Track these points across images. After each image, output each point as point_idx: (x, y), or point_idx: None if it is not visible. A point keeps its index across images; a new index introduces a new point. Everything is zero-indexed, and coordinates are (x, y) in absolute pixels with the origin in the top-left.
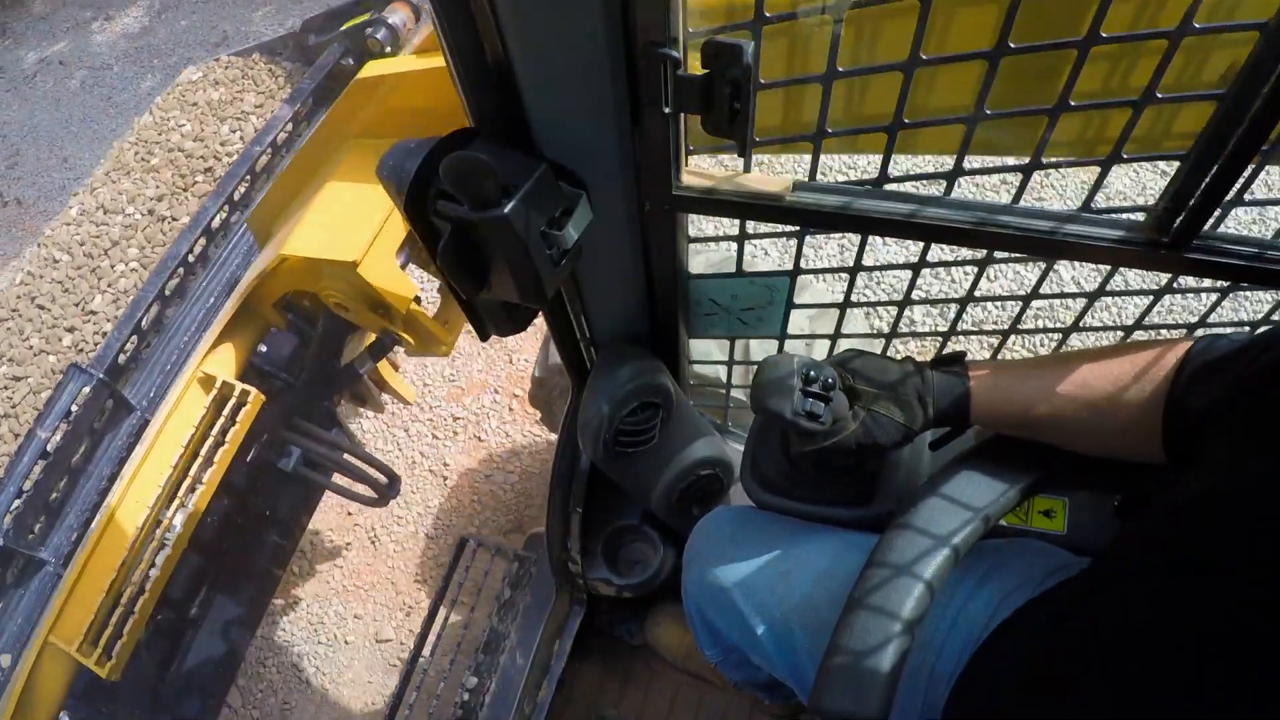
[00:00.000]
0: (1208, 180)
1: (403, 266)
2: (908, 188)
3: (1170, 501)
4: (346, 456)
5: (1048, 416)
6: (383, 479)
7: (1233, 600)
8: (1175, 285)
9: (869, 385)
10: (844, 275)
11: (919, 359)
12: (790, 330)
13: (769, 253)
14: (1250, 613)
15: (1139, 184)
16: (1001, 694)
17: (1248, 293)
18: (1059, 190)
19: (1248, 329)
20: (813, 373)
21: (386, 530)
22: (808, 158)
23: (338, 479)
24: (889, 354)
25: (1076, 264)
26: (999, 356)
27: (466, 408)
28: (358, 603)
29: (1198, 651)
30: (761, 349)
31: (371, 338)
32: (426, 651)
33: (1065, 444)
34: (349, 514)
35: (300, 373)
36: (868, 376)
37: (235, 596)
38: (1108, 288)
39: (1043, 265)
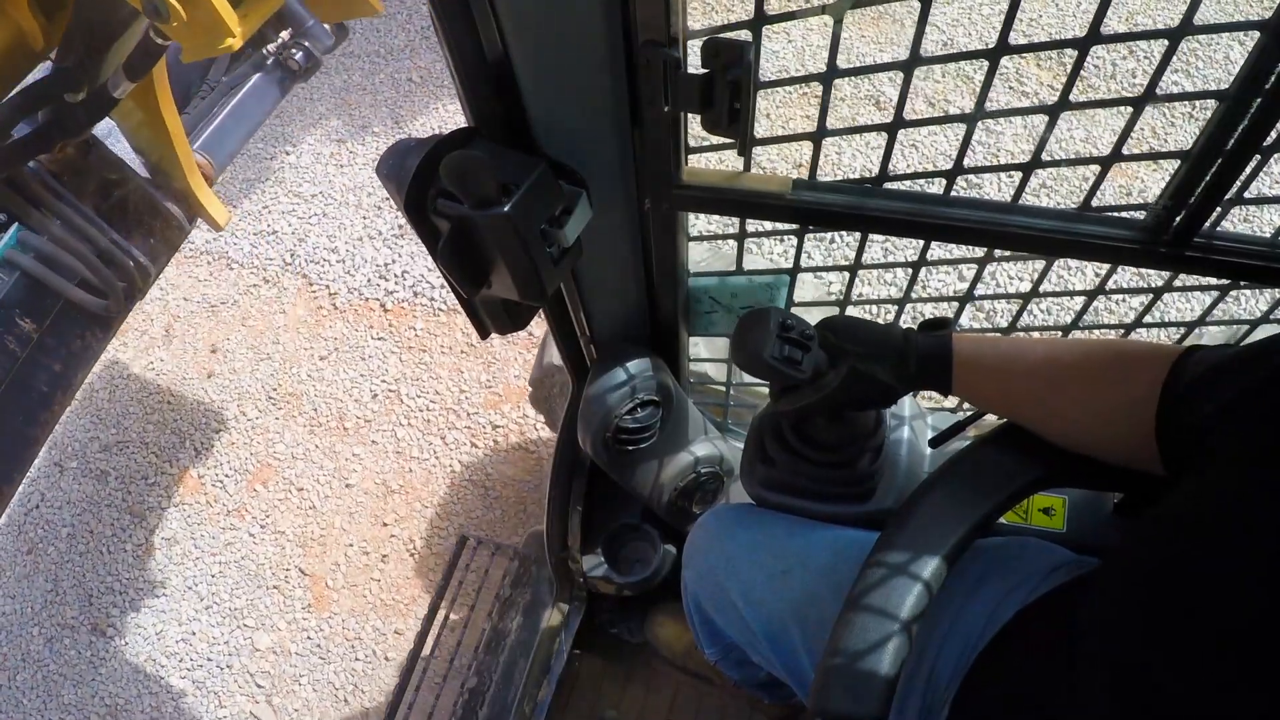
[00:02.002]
0: (1208, 179)
1: None
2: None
3: (1176, 507)
4: (71, 237)
5: (1027, 391)
6: (118, 284)
7: (1241, 608)
8: (1175, 284)
9: (852, 344)
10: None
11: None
12: None
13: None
14: (1259, 622)
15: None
16: (1006, 698)
17: (1247, 291)
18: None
19: (1247, 327)
20: (789, 321)
21: (427, 544)
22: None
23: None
24: None
25: (1076, 262)
26: None
27: (506, 415)
28: (398, 618)
29: (1205, 662)
30: None
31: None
32: (426, 650)
33: (1044, 429)
34: (384, 525)
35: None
36: (851, 336)
37: None
38: (1107, 286)
39: (1043, 264)
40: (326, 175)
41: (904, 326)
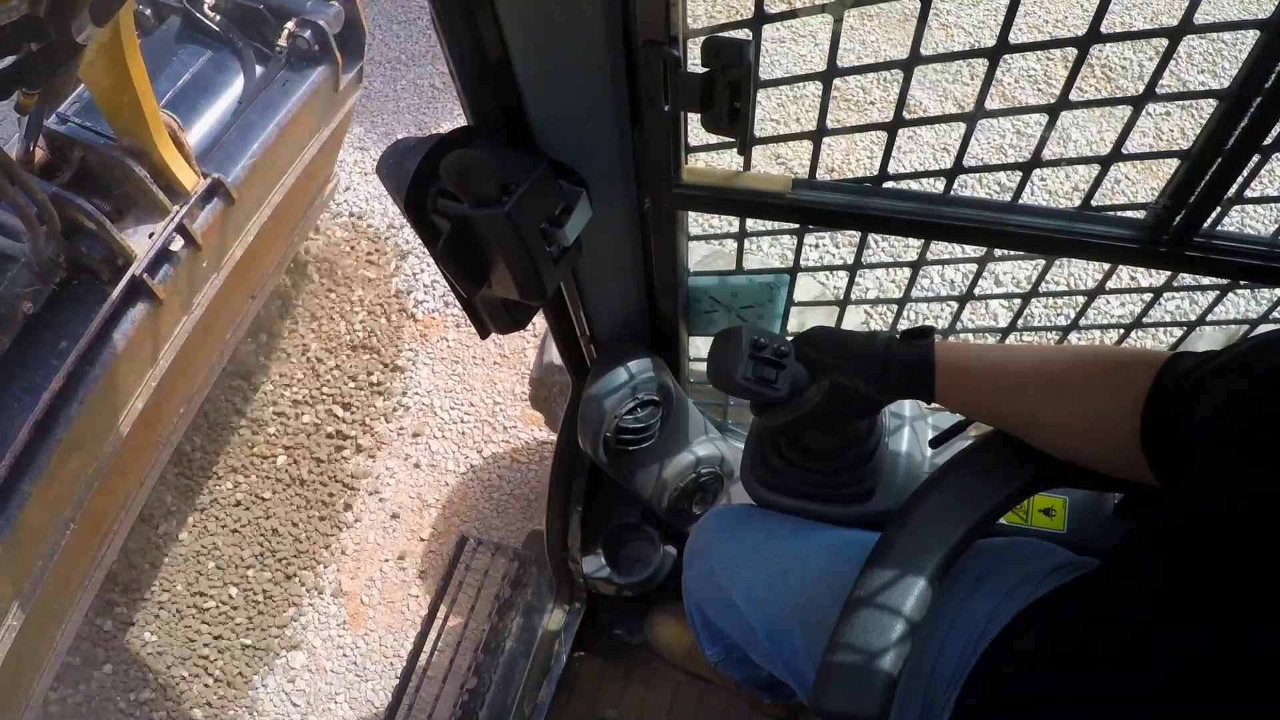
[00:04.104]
0: (1208, 178)
1: None
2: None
3: (1178, 511)
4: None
5: (1012, 401)
6: (40, 228)
7: (1250, 614)
8: (1175, 284)
9: (832, 358)
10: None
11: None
12: (791, 328)
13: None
14: (1264, 626)
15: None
16: (1012, 699)
17: (1246, 291)
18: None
19: (1246, 327)
20: (762, 339)
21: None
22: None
23: None
24: None
25: (1076, 261)
26: None
27: (547, 430)
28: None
29: (1216, 669)
30: None
31: None
32: (426, 651)
33: (1031, 437)
34: (421, 540)
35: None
36: (830, 349)
37: None
38: (1107, 286)
39: (1043, 263)
40: (350, 184)
41: (886, 334)
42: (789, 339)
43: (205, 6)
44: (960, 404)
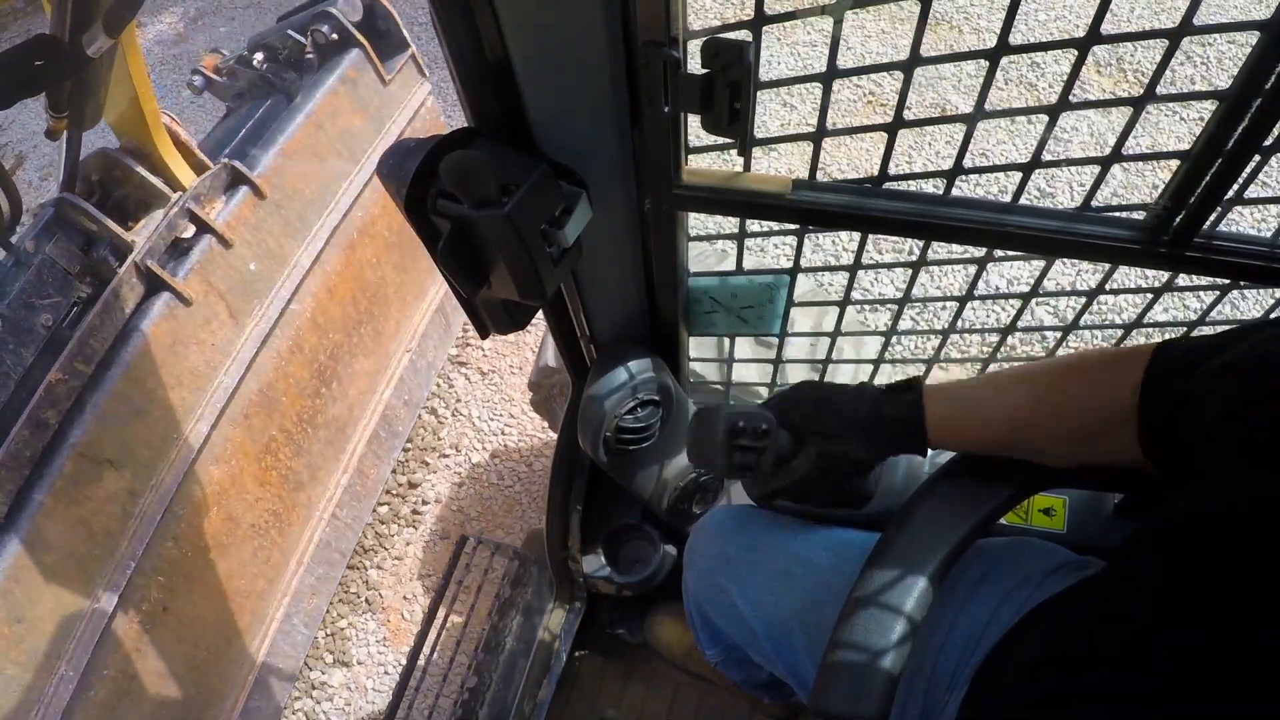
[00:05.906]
0: (1208, 178)
1: None
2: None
3: (1178, 510)
4: None
5: (1008, 431)
6: (6, 215)
7: (1242, 611)
8: (1175, 284)
9: (818, 423)
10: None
11: (899, 374)
12: (791, 328)
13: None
14: (1264, 626)
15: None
16: (1011, 704)
17: (1245, 291)
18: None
19: None
20: (740, 423)
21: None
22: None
23: None
24: (887, 353)
25: (1076, 262)
26: (997, 353)
27: None
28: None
29: (1207, 664)
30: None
31: None
32: (426, 650)
33: (1034, 456)
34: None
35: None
36: (816, 413)
37: None
38: (1107, 286)
39: (1043, 264)
40: None
41: (873, 389)
42: (772, 401)
43: (254, 62)
44: (955, 448)
